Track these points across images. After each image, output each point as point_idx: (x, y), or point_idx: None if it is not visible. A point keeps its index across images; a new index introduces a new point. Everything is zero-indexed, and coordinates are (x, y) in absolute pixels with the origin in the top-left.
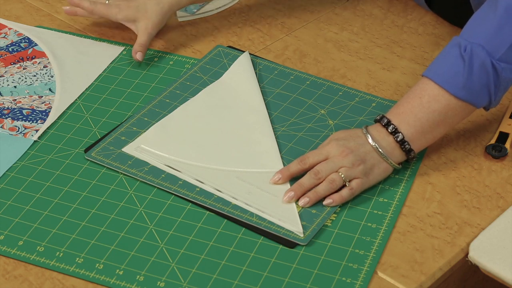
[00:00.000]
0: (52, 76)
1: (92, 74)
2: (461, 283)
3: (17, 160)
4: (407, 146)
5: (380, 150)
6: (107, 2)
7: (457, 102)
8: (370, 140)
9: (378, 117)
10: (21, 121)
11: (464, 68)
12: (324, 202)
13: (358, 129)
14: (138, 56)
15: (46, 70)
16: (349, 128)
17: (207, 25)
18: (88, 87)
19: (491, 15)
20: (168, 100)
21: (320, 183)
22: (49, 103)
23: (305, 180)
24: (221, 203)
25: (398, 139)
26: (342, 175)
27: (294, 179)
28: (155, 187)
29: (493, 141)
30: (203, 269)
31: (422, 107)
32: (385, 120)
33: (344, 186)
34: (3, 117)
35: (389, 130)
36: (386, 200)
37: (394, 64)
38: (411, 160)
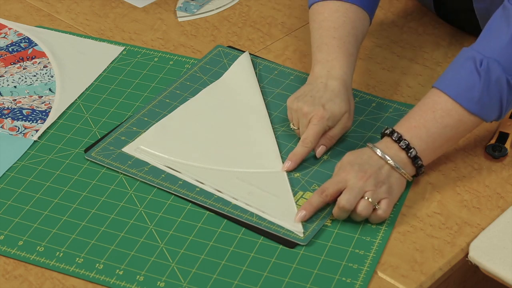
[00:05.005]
0: (52, 76)
1: (92, 74)
2: (461, 283)
3: (17, 160)
4: (419, 162)
5: (396, 165)
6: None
7: (469, 117)
8: (382, 156)
9: (387, 131)
10: (21, 121)
11: (479, 83)
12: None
13: (366, 149)
14: (321, 149)
15: (46, 70)
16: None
17: (207, 25)
18: (88, 87)
19: (505, 29)
20: (168, 100)
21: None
22: (49, 103)
23: (336, 214)
24: (221, 203)
25: (412, 155)
26: (370, 199)
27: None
28: (155, 187)
29: (493, 141)
30: (203, 269)
31: (435, 121)
32: (396, 135)
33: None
34: (3, 117)
35: (401, 146)
36: None
37: (394, 64)
38: (418, 175)
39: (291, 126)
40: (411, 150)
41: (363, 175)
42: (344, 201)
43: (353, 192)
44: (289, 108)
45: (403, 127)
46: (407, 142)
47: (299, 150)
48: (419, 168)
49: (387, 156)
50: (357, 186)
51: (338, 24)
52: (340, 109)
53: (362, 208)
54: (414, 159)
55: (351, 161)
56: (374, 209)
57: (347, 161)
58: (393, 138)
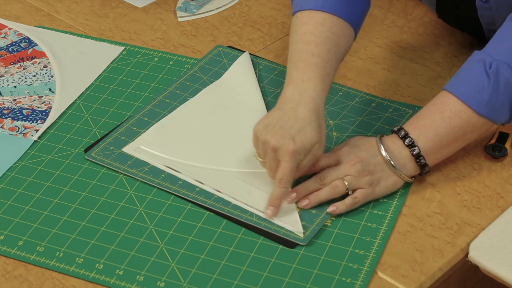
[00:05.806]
0: (52, 76)
1: (92, 74)
2: (461, 283)
3: (17, 160)
4: (422, 160)
5: (392, 162)
6: (259, 158)
7: (478, 119)
8: (382, 151)
9: (395, 128)
10: (21, 121)
11: (489, 85)
12: (328, 210)
13: (373, 138)
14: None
15: (46, 70)
16: (349, 127)
17: (207, 25)
18: (88, 87)
19: None
20: (168, 100)
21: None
22: (49, 103)
23: (310, 183)
24: (221, 203)
25: (414, 152)
26: (346, 183)
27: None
28: (155, 187)
29: (493, 141)
30: (203, 269)
31: (443, 121)
32: (403, 132)
33: (347, 194)
34: (3, 117)
35: (405, 143)
36: (386, 200)
37: (394, 64)
38: (424, 174)
39: (256, 157)
40: (414, 148)
41: (353, 158)
42: (325, 172)
43: (336, 170)
44: (256, 137)
45: (410, 126)
46: (412, 140)
47: (278, 192)
48: (423, 167)
49: (386, 152)
50: (343, 168)
51: (321, 39)
52: (311, 139)
53: (335, 185)
54: (417, 157)
55: (353, 144)
56: (347, 195)
57: (350, 142)
58: (399, 135)
